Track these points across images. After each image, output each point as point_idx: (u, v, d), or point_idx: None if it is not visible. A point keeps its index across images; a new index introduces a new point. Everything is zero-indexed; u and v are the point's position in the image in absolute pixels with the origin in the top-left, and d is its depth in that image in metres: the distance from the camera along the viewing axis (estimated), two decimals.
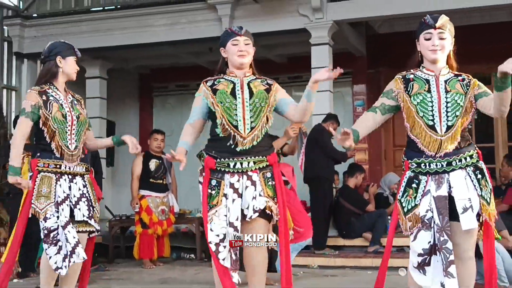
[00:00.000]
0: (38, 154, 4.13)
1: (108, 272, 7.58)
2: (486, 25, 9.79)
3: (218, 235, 3.64)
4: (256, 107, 3.72)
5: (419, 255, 3.26)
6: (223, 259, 3.62)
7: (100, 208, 4.26)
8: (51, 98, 4.12)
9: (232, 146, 3.69)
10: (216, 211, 3.66)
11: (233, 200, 3.65)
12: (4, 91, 10.60)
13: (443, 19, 3.43)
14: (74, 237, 3.95)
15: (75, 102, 4.26)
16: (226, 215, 3.64)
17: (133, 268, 7.98)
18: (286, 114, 3.77)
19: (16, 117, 7.43)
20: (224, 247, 3.62)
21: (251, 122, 3.70)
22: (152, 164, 8.10)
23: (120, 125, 11.17)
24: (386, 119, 3.55)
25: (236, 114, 3.71)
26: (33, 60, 10.75)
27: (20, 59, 10.75)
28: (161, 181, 8.16)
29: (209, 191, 3.71)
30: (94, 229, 4.14)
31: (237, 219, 3.62)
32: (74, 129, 4.12)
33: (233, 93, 3.76)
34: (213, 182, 3.72)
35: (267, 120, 3.74)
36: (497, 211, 7.51)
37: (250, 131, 3.68)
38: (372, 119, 3.54)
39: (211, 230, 3.65)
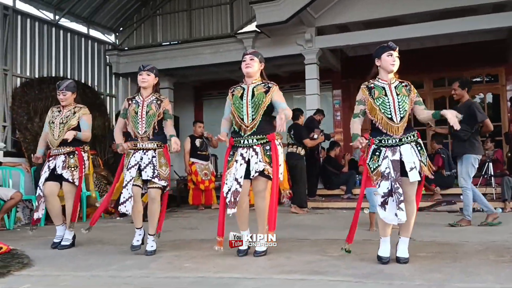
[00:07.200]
0: (129, 138, 4.17)
1: (176, 213, 7.72)
2: (422, 49, 9.72)
3: (228, 187, 3.70)
4: (256, 104, 3.71)
5: (382, 197, 3.26)
6: (228, 201, 3.66)
7: (170, 171, 4.14)
8: (133, 101, 4.10)
9: (242, 132, 3.74)
10: (229, 170, 3.73)
11: (241, 164, 3.70)
12: (108, 97, 10.73)
13: (397, 48, 3.45)
14: (128, 193, 3.87)
15: (155, 101, 4.05)
16: (234, 174, 3.69)
17: (192, 210, 8.10)
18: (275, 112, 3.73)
19: (117, 114, 7.53)
20: (230, 193, 3.66)
21: (252, 115, 3.71)
22: (197, 142, 8.17)
23: (182, 119, 11.24)
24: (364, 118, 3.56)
25: (243, 111, 3.75)
26: (126, 77, 10.86)
27: (117, 77, 10.86)
28: (204, 153, 8.22)
29: (228, 159, 3.79)
30: (160, 185, 3.92)
31: (241, 177, 3.67)
32: (144, 120, 3.99)
33: (241, 96, 3.79)
34: (231, 153, 3.79)
35: (265, 112, 3.72)
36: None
37: (251, 121, 3.71)
38: (360, 122, 3.54)
39: (225, 184, 3.72)
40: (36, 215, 4.49)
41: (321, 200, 8.08)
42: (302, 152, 7.24)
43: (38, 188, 4.48)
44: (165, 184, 3.97)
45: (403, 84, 3.44)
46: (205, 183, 8.09)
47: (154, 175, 3.91)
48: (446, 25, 8.04)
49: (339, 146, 9.02)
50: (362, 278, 2.89)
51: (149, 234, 4.00)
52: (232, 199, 3.65)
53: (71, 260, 3.81)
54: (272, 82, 3.83)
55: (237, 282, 2.90)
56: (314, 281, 2.88)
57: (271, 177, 3.68)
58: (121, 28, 11.06)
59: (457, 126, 3.15)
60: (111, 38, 10.99)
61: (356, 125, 3.51)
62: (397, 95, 3.38)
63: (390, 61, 3.41)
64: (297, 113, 7.52)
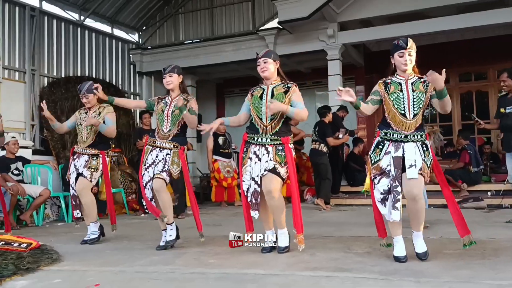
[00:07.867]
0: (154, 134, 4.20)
1: (200, 210, 7.73)
2: (447, 43, 9.56)
3: (246, 185, 3.74)
4: None
5: (381, 193, 3.24)
6: (250, 200, 3.73)
7: (191, 169, 4.18)
8: (163, 101, 4.21)
9: (259, 130, 3.72)
10: (245, 168, 3.74)
11: (255, 162, 3.69)
12: (132, 96, 10.85)
13: (411, 42, 3.34)
14: (151, 193, 4.07)
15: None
16: (250, 172, 3.70)
17: (215, 207, 8.16)
18: None
19: (141, 112, 7.62)
20: (250, 193, 3.71)
21: (271, 115, 3.67)
22: (220, 140, 8.21)
23: (204, 117, 11.30)
24: (374, 109, 3.46)
25: (262, 110, 3.71)
26: (149, 76, 10.97)
27: (140, 75, 10.98)
28: (227, 151, 8.27)
29: (243, 155, 3.79)
30: (163, 178, 4.00)
31: (257, 176, 3.67)
32: (169, 119, 4.10)
33: (261, 96, 3.76)
34: (244, 150, 3.79)
35: (282, 114, 3.67)
36: (455, 168, 7.42)
37: (270, 121, 3.68)
38: (367, 106, 3.46)
39: (243, 181, 3.76)
40: (75, 214, 4.65)
41: (344, 197, 8.03)
42: (325, 149, 7.24)
43: (71, 188, 4.62)
44: (167, 179, 4.03)
45: (421, 80, 3.34)
46: (228, 180, 8.15)
47: (163, 170, 4.01)
48: (473, 18, 7.85)
49: (363, 143, 8.94)
50: (388, 275, 2.87)
51: (167, 224, 4.08)
52: (254, 201, 3.69)
53: (99, 255, 3.88)
54: (291, 82, 3.79)
55: (262, 278, 2.92)
56: (339, 277, 2.86)
57: (281, 176, 3.65)
58: (144, 27, 11.18)
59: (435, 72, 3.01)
60: (134, 37, 11.13)
61: (365, 106, 3.45)
62: (413, 91, 3.29)
63: (402, 61, 3.33)
64: (324, 110, 7.54)
